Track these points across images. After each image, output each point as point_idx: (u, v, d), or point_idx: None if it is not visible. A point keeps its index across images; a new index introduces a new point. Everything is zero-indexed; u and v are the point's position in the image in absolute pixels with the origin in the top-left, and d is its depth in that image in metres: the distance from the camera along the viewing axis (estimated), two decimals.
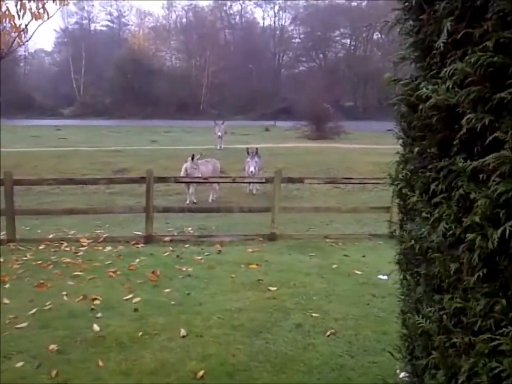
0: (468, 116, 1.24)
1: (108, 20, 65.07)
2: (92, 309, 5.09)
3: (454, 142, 1.36)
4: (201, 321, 4.87)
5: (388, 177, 1.87)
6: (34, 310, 4.97)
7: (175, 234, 8.59)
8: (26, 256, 6.90)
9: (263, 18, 64.85)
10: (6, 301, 5.23)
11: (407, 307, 1.79)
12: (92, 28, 64.07)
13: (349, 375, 4.04)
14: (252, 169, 12.80)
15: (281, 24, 63.24)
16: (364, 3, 58.21)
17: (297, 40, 62.59)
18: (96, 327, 4.60)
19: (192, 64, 58.66)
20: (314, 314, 5.12)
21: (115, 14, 64.15)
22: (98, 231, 8.78)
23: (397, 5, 1.73)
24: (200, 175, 10.38)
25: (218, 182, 9.70)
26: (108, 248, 7.50)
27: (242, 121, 47.18)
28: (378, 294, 5.76)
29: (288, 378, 3.91)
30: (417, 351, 1.70)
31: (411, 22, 1.56)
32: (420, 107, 1.44)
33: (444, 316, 1.42)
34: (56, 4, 7.52)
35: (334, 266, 6.76)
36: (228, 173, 16.88)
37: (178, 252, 7.30)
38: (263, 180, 8.40)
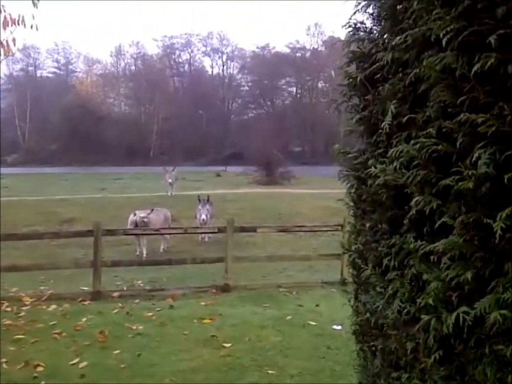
0: (417, 198, 1.27)
1: (55, 67, 64.51)
2: (35, 377, 4.74)
3: (404, 221, 1.38)
4: None
5: (341, 247, 1.87)
6: None
7: (125, 289, 8.26)
8: None
9: (212, 67, 66.29)
10: None
11: (365, 380, 1.77)
12: (38, 75, 63.21)
13: None
14: (203, 216, 12.71)
15: (230, 73, 64.88)
16: (307, 54, 60.87)
17: (246, 88, 64.20)
18: None
19: (142, 110, 58.73)
20: (270, 371, 4.99)
21: (62, 61, 63.76)
22: (43, 287, 8.33)
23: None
24: (150, 225, 10.18)
25: (170, 234, 9.52)
26: (53, 306, 7.08)
27: (193, 167, 47.25)
28: (333, 345, 5.72)
29: None
30: None
31: (356, 100, 1.62)
32: (369, 182, 1.48)
33: None
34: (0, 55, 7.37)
35: (289, 317, 6.68)
36: (179, 220, 16.68)
37: (127, 309, 7.00)
38: (216, 230, 8.33)
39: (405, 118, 1.33)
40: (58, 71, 64.64)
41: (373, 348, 1.64)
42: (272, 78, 59.77)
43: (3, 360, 5.09)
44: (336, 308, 6.30)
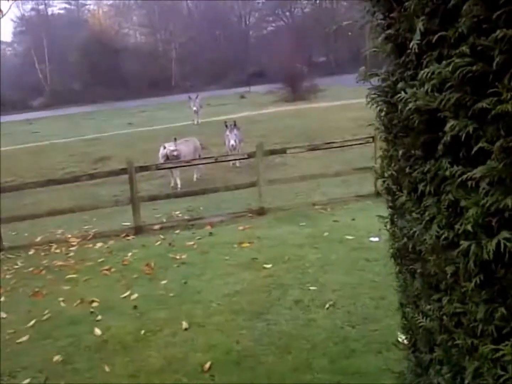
0: (452, 123, 1.19)
1: (65, 2, 62.83)
2: (91, 312, 5.08)
3: (439, 147, 1.32)
4: (201, 310, 4.89)
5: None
6: (33, 322, 4.94)
7: (164, 220, 8.52)
8: (17, 265, 6.82)
9: None
10: (3, 315, 5.20)
11: (405, 301, 1.79)
12: (49, 13, 61.82)
13: (353, 346, 4.10)
14: (232, 142, 12.67)
15: None
16: None
17: (262, 0, 61.18)
18: (97, 331, 4.59)
19: (158, 38, 57.15)
20: (311, 288, 5.17)
21: None
22: (86, 227, 8.67)
23: None
24: (180, 156, 10.22)
25: (201, 164, 9.57)
26: (99, 244, 7.42)
27: (216, 90, 46.49)
28: (371, 257, 5.82)
29: (294, 358, 3.96)
30: (419, 344, 1.70)
31: (381, 17, 1.49)
32: (400, 107, 1.39)
33: (445, 317, 1.41)
34: None
35: (326, 234, 6.80)
36: (208, 148, 16.73)
37: (169, 240, 7.26)
38: (245, 156, 8.32)
39: (436, 36, 1.22)
40: (68, 6, 62.94)
41: (412, 271, 1.64)
42: None
43: (60, 299, 5.44)
44: (372, 220, 6.34)
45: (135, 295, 5.35)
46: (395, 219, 1.75)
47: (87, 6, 63.10)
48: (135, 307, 5.06)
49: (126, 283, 5.73)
